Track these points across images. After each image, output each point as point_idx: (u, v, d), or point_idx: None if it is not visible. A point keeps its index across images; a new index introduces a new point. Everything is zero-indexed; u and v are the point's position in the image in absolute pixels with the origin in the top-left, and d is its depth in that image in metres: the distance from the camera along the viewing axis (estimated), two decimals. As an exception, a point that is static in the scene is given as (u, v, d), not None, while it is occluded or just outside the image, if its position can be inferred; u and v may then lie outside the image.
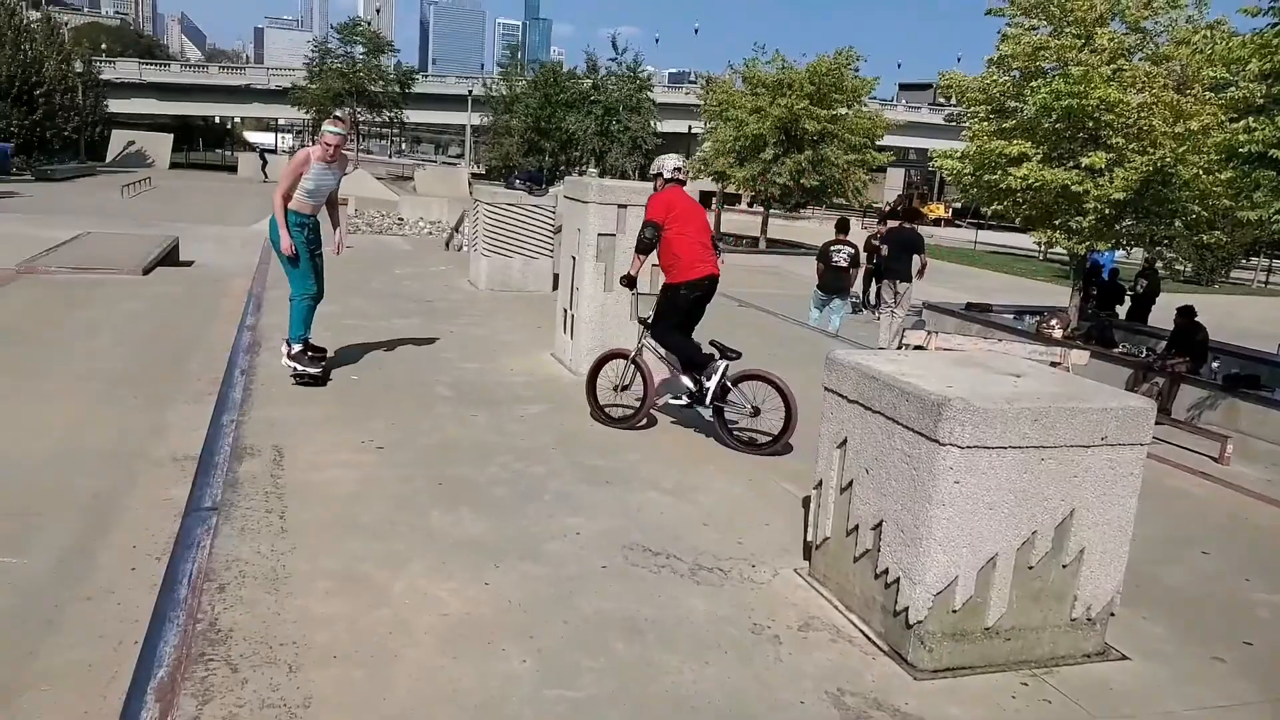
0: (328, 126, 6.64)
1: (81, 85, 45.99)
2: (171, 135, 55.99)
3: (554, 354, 8.08)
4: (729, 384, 5.95)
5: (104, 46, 77.69)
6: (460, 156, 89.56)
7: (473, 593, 3.92)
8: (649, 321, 6.20)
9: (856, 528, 3.90)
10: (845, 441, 3.99)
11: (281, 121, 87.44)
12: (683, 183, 6.27)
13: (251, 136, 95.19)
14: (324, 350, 7.22)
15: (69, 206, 22.60)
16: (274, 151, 79.07)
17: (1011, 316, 17.92)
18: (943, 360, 4.27)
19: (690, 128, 50.01)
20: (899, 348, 10.33)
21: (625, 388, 6.30)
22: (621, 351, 6.36)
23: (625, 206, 7.08)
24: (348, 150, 5.09)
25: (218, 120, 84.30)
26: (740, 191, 33.43)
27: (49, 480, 5.06)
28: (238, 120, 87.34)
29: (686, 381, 6.09)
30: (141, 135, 52.24)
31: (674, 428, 6.45)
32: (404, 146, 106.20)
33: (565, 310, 7.74)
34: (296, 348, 6.85)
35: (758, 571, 4.31)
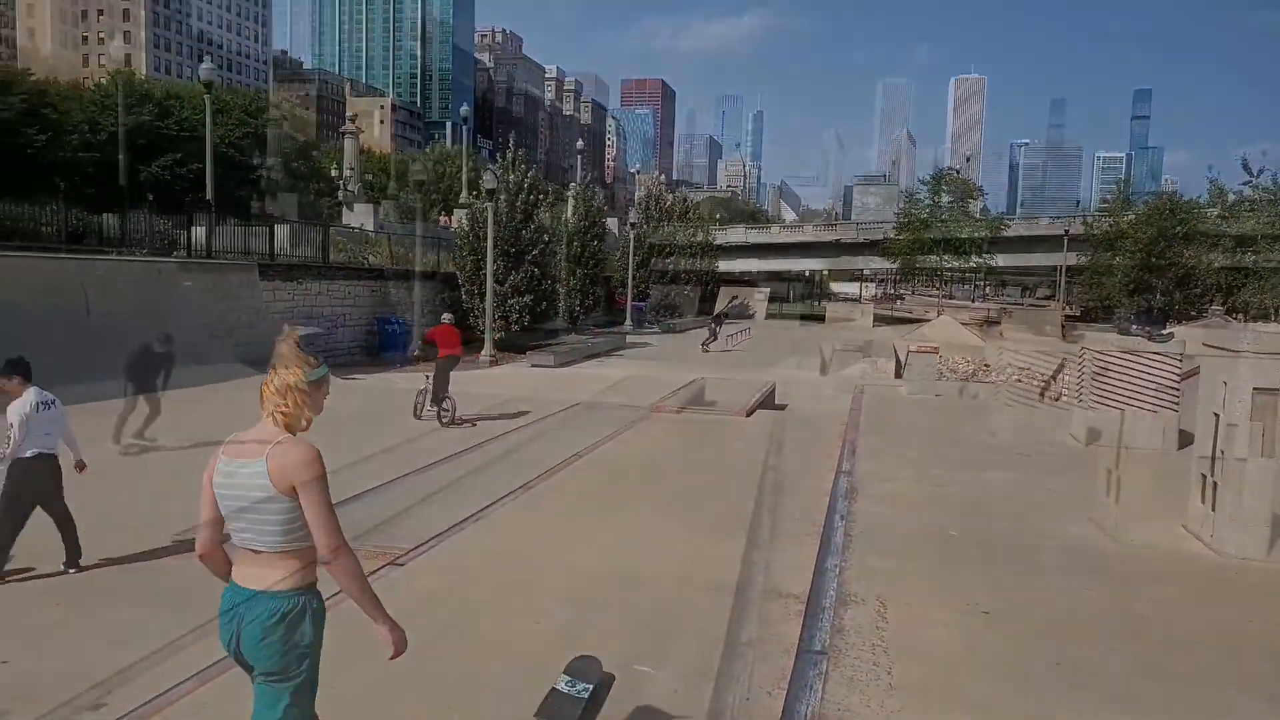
0: None
1: (700, 250, 54.00)
2: (768, 290, 62.61)
3: (1186, 526, 6.91)
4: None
5: (718, 216, 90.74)
6: (1050, 298, 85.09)
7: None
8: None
9: None
10: None
11: (866, 272, 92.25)
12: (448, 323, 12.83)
13: (837, 286, 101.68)
14: None
15: (687, 355, 26.22)
16: (856, 300, 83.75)
17: None
18: None
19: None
20: None
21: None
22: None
23: (1291, 357, 5.88)
24: None
25: (807, 273, 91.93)
26: None
27: (677, 604, 5.59)
28: (824, 272, 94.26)
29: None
30: (743, 290, 59.34)
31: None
32: (987, 290, 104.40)
33: (1204, 476, 6.61)
34: None
35: None
